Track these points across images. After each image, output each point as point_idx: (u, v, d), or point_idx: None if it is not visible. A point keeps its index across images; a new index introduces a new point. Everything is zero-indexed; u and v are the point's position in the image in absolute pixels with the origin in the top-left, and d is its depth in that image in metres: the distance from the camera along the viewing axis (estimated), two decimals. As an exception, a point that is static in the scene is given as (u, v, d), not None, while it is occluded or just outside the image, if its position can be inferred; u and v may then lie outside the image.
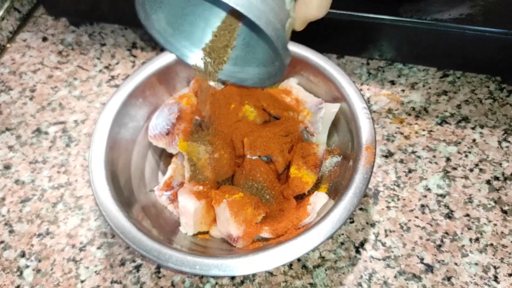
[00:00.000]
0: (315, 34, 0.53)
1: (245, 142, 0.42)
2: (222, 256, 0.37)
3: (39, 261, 0.44)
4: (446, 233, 0.44)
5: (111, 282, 0.43)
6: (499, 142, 0.49)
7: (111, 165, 0.42)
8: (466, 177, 0.47)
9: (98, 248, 0.45)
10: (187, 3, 0.40)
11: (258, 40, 0.40)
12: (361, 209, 0.46)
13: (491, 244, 0.43)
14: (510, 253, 0.42)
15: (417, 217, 0.45)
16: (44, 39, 0.64)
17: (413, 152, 0.49)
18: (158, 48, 0.61)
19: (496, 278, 0.41)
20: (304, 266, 0.43)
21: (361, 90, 0.54)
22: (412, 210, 0.45)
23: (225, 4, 0.30)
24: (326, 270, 0.42)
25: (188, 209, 0.40)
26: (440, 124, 0.51)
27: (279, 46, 0.33)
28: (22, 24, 0.66)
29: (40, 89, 0.58)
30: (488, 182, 0.47)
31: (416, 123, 0.51)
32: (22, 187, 0.49)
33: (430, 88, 0.54)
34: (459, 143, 0.49)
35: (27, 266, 0.44)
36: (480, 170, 0.47)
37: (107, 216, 0.38)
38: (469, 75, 0.55)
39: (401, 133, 0.51)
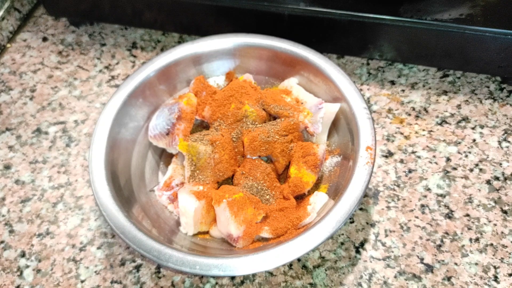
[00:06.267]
0: (315, 34, 0.53)
1: (245, 142, 0.42)
2: (222, 256, 0.37)
3: (39, 261, 0.44)
4: (446, 233, 0.44)
5: (111, 282, 0.43)
6: (499, 142, 0.49)
7: (111, 165, 0.42)
8: (466, 177, 0.47)
9: (98, 248, 0.45)
10: None
11: None
12: (361, 209, 0.46)
13: (491, 244, 0.43)
14: (510, 253, 0.42)
15: (417, 217, 0.45)
16: (44, 39, 0.64)
17: (413, 152, 0.49)
18: (158, 48, 0.61)
19: (496, 278, 0.41)
20: (304, 266, 0.43)
21: (361, 90, 0.54)
22: (412, 210, 0.45)
23: None
24: (326, 270, 0.42)
25: (188, 209, 0.40)
26: (440, 124, 0.51)
27: None
28: (22, 24, 0.66)
29: (40, 89, 0.58)
30: (488, 182, 0.47)
31: (416, 123, 0.51)
32: (22, 187, 0.49)
33: (430, 88, 0.54)
34: (459, 143, 0.49)
35: (27, 266, 0.44)
36: (480, 170, 0.47)
37: (107, 216, 0.38)
38: (469, 75, 0.55)
39: (401, 133, 0.51)
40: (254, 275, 0.42)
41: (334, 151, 0.45)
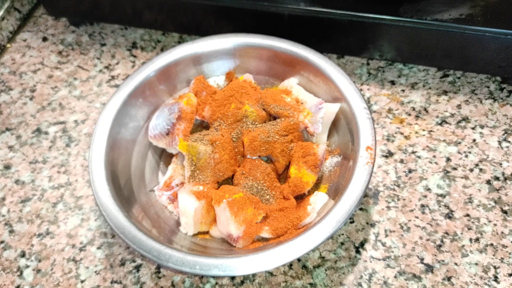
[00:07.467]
0: (315, 34, 0.53)
1: (245, 142, 0.42)
2: (222, 256, 0.37)
3: (39, 261, 0.44)
4: (446, 233, 0.44)
5: (111, 282, 0.43)
6: (499, 142, 0.49)
7: (111, 165, 0.42)
8: (466, 177, 0.47)
9: (98, 248, 0.45)
10: None
11: None
12: (361, 209, 0.46)
13: (491, 244, 0.43)
14: (510, 253, 0.42)
15: (417, 217, 0.45)
16: (44, 39, 0.64)
17: (413, 152, 0.49)
18: (158, 48, 0.61)
19: (496, 278, 0.41)
20: (304, 266, 0.43)
21: (361, 90, 0.54)
22: (412, 210, 0.45)
23: None
24: (326, 270, 0.42)
25: (188, 209, 0.40)
26: (440, 124, 0.51)
27: None
28: (22, 24, 0.66)
29: (40, 89, 0.58)
30: (488, 182, 0.47)
31: (416, 123, 0.51)
32: (22, 187, 0.49)
33: (430, 88, 0.54)
34: (459, 143, 0.49)
35: (27, 266, 0.44)
36: (480, 170, 0.47)
37: (107, 216, 0.38)
38: (469, 75, 0.55)
39: (401, 133, 0.51)
40: (254, 275, 0.42)
41: (334, 151, 0.45)
